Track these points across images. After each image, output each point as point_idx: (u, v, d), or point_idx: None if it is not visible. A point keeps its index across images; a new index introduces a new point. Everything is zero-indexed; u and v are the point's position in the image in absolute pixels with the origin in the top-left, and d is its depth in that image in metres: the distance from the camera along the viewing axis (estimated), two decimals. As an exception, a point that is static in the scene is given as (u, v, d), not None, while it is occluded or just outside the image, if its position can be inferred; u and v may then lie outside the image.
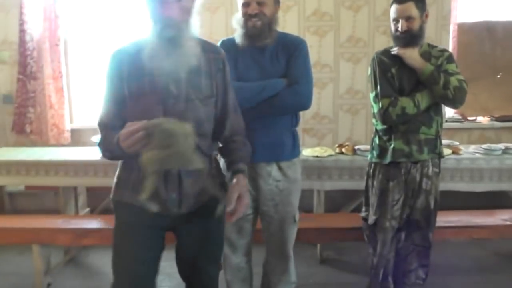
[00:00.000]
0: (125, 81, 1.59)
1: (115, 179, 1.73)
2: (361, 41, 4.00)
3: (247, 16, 2.08)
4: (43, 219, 3.02)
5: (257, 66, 2.14)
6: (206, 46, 1.67)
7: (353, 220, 2.81)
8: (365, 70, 3.84)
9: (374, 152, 2.45)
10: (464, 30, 4.03)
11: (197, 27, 1.60)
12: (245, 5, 2.08)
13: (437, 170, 2.40)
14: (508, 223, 2.73)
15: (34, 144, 3.93)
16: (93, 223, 2.95)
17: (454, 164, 3.06)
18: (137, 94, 1.58)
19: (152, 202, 1.56)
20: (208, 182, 1.68)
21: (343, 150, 3.30)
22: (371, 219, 2.44)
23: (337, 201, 3.67)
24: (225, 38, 2.26)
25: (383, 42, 3.83)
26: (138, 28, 3.57)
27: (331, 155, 3.24)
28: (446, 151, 2.96)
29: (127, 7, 3.97)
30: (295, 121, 2.25)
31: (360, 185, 3.09)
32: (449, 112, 4.19)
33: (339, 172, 3.21)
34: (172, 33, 1.50)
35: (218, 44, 2.23)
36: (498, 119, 4.19)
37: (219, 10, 3.87)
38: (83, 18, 4.10)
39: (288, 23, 3.93)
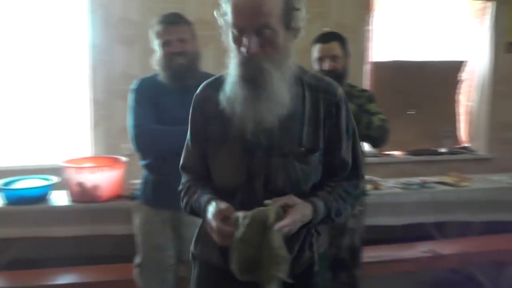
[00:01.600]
0: (207, 123, 1.38)
1: (197, 230, 1.52)
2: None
3: (170, 55, 2.00)
4: None
5: (181, 107, 2.05)
6: (316, 84, 1.36)
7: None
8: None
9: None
10: (379, 68, 4.24)
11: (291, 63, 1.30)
12: (166, 44, 2.01)
13: (361, 208, 2.41)
14: (428, 254, 2.79)
15: None
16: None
17: (375, 199, 3.11)
18: (218, 140, 1.35)
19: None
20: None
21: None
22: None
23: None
24: (144, 76, 2.17)
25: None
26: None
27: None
28: (367, 187, 3.01)
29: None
30: None
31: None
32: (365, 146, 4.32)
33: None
34: (252, 72, 1.24)
35: (136, 82, 2.14)
36: (412, 153, 4.39)
37: (135, 44, 3.74)
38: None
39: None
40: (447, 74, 4.47)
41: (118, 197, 2.96)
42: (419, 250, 2.84)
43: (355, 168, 1.40)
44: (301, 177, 1.33)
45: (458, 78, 4.48)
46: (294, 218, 1.22)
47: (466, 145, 4.55)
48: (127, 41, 3.68)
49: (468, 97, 4.51)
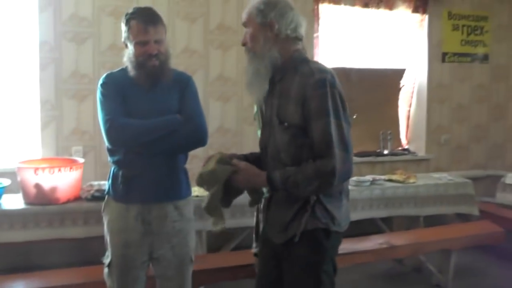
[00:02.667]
0: None
1: None
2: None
3: (146, 56, 1.98)
4: None
5: (148, 101, 2.05)
6: (302, 70, 1.65)
7: (242, 258, 2.78)
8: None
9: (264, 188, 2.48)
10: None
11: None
12: (143, 44, 1.97)
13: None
14: (384, 246, 2.97)
15: None
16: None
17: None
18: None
19: None
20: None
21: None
22: (264, 254, 2.44)
23: (216, 241, 3.59)
24: (111, 71, 2.14)
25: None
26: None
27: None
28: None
29: None
30: (186, 158, 2.20)
31: (241, 222, 3.13)
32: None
33: (221, 211, 3.18)
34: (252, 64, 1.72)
35: (104, 77, 2.11)
36: (356, 155, 4.61)
37: (87, 42, 3.65)
38: None
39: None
40: (388, 81, 4.76)
41: (76, 199, 2.88)
42: (376, 242, 2.99)
43: (327, 147, 1.55)
44: (280, 145, 1.66)
45: (399, 84, 4.79)
46: (240, 178, 1.70)
47: (406, 147, 4.85)
48: (77, 39, 3.58)
49: (408, 102, 4.83)
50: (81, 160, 3.00)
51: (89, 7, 3.60)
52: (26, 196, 2.74)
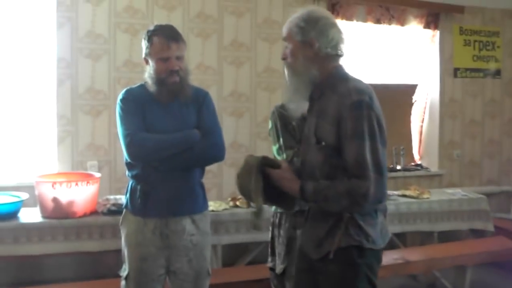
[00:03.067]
0: None
1: None
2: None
3: (167, 72, 2.02)
4: None
5: (167, 116, 2.09)
6: (340, 89, 1.63)
7: (257, 272, 2.79)
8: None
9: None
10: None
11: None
12: (165, 60, 2.02)
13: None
14: (399, 261, 2.95)
15: None
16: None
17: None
18: None
19: None
20: None
21: (237, 203, 3.30)
22: (279, 268, 2.43)
23: (230, 255, 3.60)
24: (130, 86, 2.19)
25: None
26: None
27: (226, 209, 3.22)
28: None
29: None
30: (202, 172, 2.22)
31: (256, 237, 3.14)
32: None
33: (236, 225, 3.20)
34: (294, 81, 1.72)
35: (123, 92, 2.15)
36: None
37: (102, 58, 3.70)
38: None
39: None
40: (401, 96, 4.77)
41: (92, 213, 2.91)
42: (391, 257, 2.98)
43: (361, 169, 1.53)
44: (315, 164, 1.66)
45: (411, 100, 4.80)
46: (275, 174, 1.70)
47: (419, 162, 4.84)
48: (93, 55, 3.65)
49: (420, 117, 4.83)
50: (98, 175, 3.04)
51: (105, 24, 3.67)
52: (43, 209, 2.78)
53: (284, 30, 1.74)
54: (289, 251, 2.40)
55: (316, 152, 1.66)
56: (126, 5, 3.70)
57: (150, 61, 2.07)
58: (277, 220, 2.49)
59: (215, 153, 2.11)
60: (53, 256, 2.89)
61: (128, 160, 2.06)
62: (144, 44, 2.09)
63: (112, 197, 3.03)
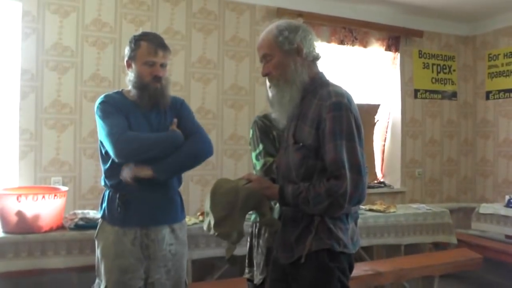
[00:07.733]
0: None
1: None
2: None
3: (151, 77, 2.02)
4: None
5: (146, 123, 2.08)
6: (320, 92, 1.65)
7: (233, 286, 2.75)
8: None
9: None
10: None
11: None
12: (151, 64, 2.02)
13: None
14: (370, 272, 2.99)
15: None
16: None
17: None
18: None
19: None
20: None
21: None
22: (258, 279, 2.40)
23: (198, 270, 3.51)
24: (108, 92, 2.15)
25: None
26: None
27: (195, 223, 3.17)
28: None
29: None
30: (180, 181, 2.20)
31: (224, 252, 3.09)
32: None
33: (206, 240, 3.15)
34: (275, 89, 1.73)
35: (102, 96, 2.11)
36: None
37: (69, 71, 3.62)
38: None
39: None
40: (363, 116, 4.82)
41: (58, 227, 2.79)
42: (361, 269, 3.01)
43: (338, 168, 1.54)
44: (292, 165, 1.67)
45: (374, 119, 4.95)
46: (255, 185, 1.69)
47: (382, 180, 4.97)
48: (60, 68, 3.57)
49: (382, 137, 4.98)
50: (65, 188, 2.93)
51: (72, 37, 3.61)
52: (5, 224, 2.64)
53: (263, 47, 1.74)
54: (268, 262, 2.38)
55: (293, 153, 1.67)
56: (94, 18, 3.66)
57: (133, 65, 2.05)
58: (256, 230, 2.47)
59: (206, 147, 2.13)
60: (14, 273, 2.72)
61: (116, 160, 1.98)
62: (129, 47, 2.08)
63: (80, 211, 2.92)
